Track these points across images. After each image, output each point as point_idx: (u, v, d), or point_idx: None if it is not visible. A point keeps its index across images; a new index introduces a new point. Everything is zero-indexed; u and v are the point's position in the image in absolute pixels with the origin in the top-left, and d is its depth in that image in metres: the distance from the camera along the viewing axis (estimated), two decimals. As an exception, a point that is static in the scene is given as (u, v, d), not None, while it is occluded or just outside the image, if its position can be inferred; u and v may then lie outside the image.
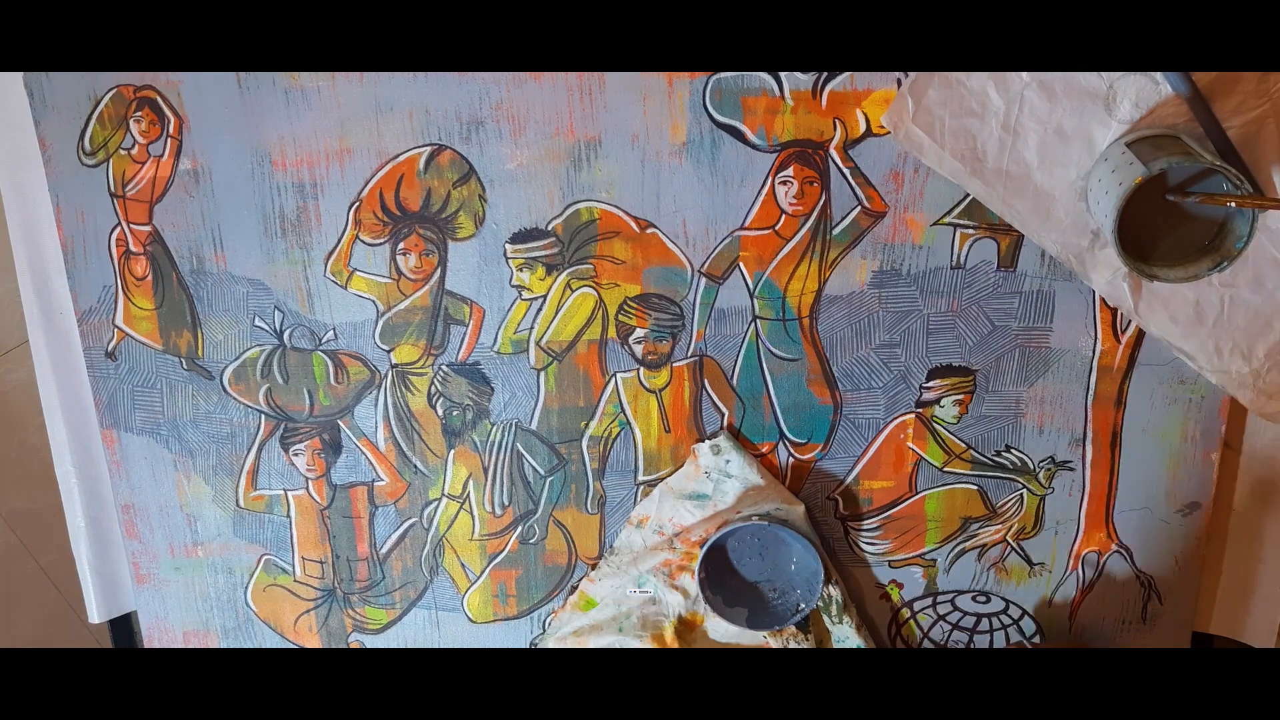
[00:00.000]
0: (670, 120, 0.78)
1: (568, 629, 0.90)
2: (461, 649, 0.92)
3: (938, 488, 0.86)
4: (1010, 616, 0.90)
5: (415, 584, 0.91)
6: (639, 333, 0.83)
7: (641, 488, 0.87)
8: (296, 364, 0.86)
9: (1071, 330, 0.81)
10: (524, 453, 0.87)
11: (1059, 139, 0.74)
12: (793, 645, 0.86)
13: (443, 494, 0.88)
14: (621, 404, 0.85)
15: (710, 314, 0.83)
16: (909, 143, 0.76)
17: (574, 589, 0.90)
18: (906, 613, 0.90)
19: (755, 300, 0.82)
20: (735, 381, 0.84)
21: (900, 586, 0.89)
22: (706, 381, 0.84)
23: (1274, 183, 0.73)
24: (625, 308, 0.83)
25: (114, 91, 0.80)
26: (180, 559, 0.91)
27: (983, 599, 0.89)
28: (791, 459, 0.86)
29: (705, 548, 0.83)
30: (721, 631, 0.88)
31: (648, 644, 0.88)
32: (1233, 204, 0.68)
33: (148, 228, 0.83)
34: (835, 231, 0.80)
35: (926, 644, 0.91)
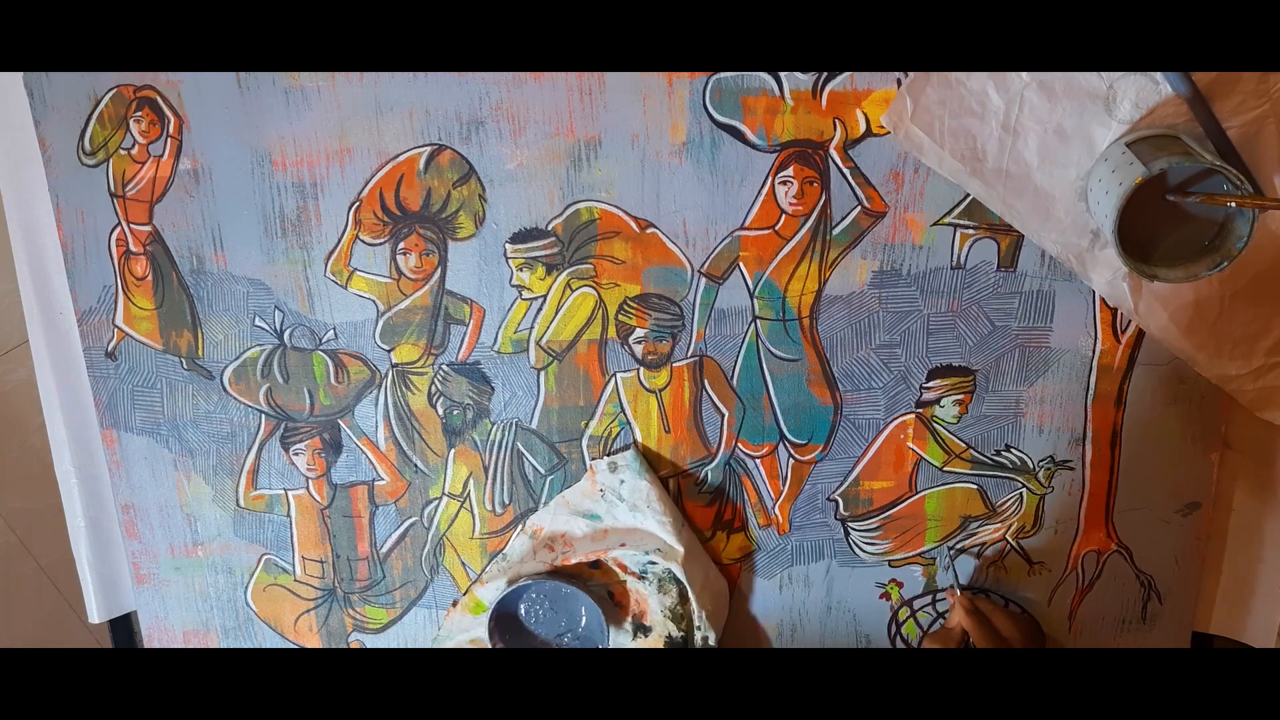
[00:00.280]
0: (670, 120, 0.78)
1: (462, 635, 0.91)
2: (460, 649, 0.92)
3: (937, 487, 0.86)
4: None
5: (416, 583, 0.91)
6: (639, 333, 0.83)
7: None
8: (297, 364, 0.86)
9: (1071, 330, 0.81)
10: (524, 452, 0.87)
11: (1059, 139, 0.74)
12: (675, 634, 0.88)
13: (443, 493, 0.88)
14: (621, 404, 0.85)
15: (710, 314, 0.83)
16: (909, 143, 0.76)
17: (466, 593, 0.91)
18: (906, 612, 0.90)
19: (755, 300, 0.82)
20: (735, 382, 0.84)
21: (900, 586, 0.89)
22: (706, 382, 0.84)
23: (1274, 183, 0.73)
24: (625, 308, 0.83)
25: (114, 91, 0.80)
26: (180, 559, 0.91)
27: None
28: (792, 460, 0.86)
29: (491, 613, 0.86)
30: None
31: None
32: (1233, 204, 0.68)
33: (148, 228, 0.83)
34: (835, 231, 0.80)
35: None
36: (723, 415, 0.85)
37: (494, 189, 0.81)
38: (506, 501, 0.88)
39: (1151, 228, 0.71)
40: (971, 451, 0.85)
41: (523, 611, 0.89)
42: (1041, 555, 0.88)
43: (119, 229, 0.83)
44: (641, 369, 0.84)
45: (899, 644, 0.91)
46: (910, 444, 0.85)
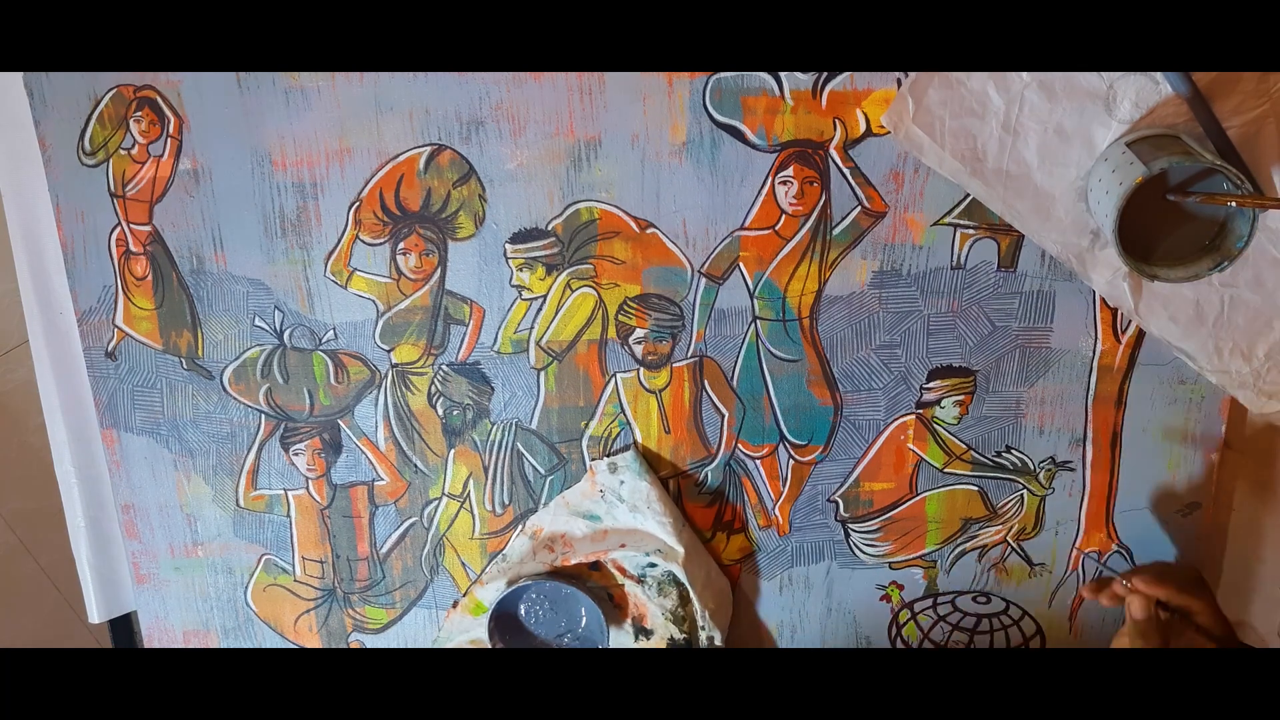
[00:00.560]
0: (670, 120, 0.78)
1: (463, 636, 0.91)
2: (463, 649, 0.92)
3: (938, 489, 0.86)
4: (1010, 617, 0.90)
5: (416, 583, 0.91)
6: (639, 333, 0.83)
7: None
8: (296, 364, 0.86)
9: (1071, 330, 0.81)
10: (524, 452, 0.87)
11: (1059, 139, 0.74)
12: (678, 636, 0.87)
13: (443, 493, 0.88)
14: (621, 404, 0.85)
15: (710, 314, 0.83)
16: (909, 143, 0.76)
17: (465, 593, 0.91)
18: (907, 614, 0.90)
19: (755, 301, 0.82)
20: (735, 382, 0.84)
21: (901, 588, 0.89)
22: (706, 382, 0.84)
23: (1274, 183, 0.73)
24: (625, 308, 0.83)
25: (114, 91, 0.80)
26: (180, 559, 0.91)
27: (983, 600, 0.89)
28: (792, 460, 0.86)
29: (491, 614, 0.86)
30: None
31: None
32: (1233, 204, 0.68)
33: (148, 228, 0.83)
34: (835, 232, 0.80)
35: (927, 645, 0.91)
36: (723, 416, 0.85)
37: (494, 189, 0.81)
38: (506, 502, 0.88)
39: (1151, 228, 0.71)
40: (972, 453, 0.85)
41: (523, 612, 0.89)
42: (1042, 556, 0.88)
43: (119, 229, 0.83)
44: (641, 369, 0.84)
45: (899, 645, 0.91)
46: (911, 445, 0.85)
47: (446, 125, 0.79)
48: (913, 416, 0.84)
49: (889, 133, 0.77)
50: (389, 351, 0.85)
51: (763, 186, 0.79)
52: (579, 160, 0.80)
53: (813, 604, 0.90)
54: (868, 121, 0.77)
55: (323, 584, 0.92)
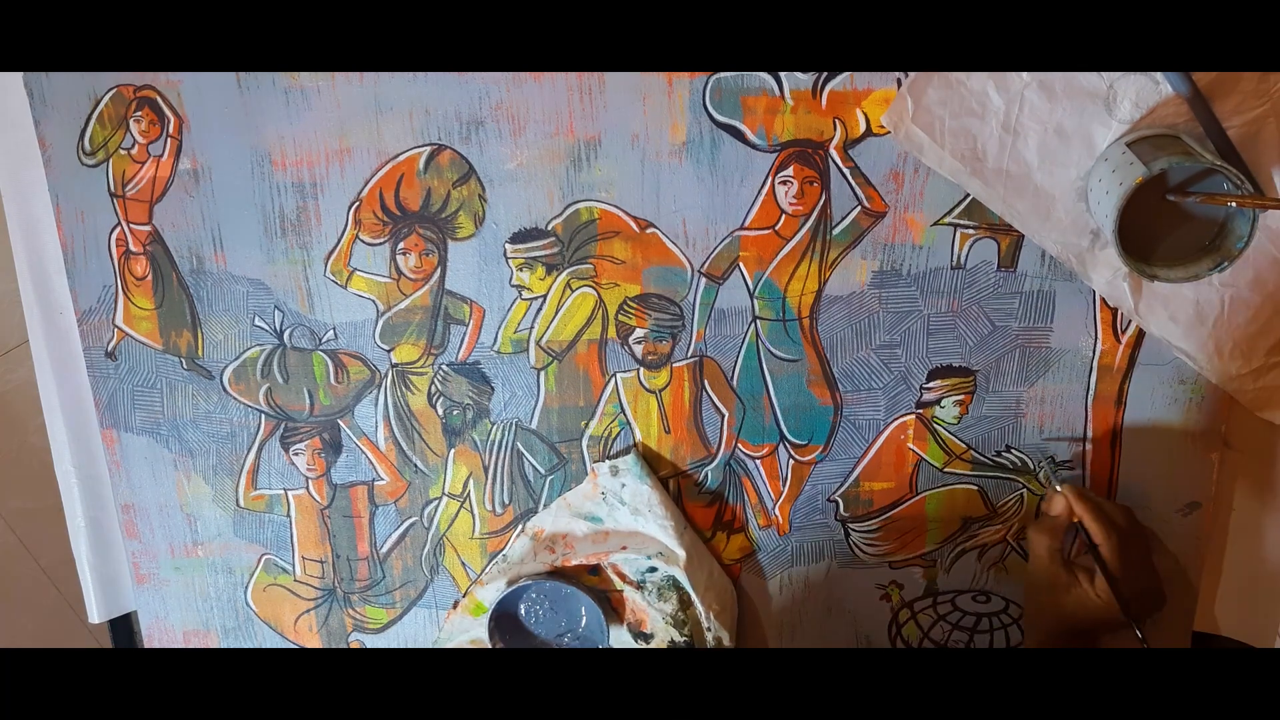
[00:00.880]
0: (670, 120, 0.78)
1: (463, 637, 0.91)
2: (461, 649, 0.92)
3: (938, 488, 0.86)
4: (1010, 616, 0.90)
5: (416, 583, 0.91)
6: (639, 333, 0.83)
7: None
8: (296, 364, 0.86)
9: (1071, 330, 0.81)
10: (524, 452, 0.87)
11: (1059, 139, 0.74)
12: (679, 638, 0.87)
13: (443, 493, 0.88)
14: (621, 404, 0.85)
15: (710, 314, 0.83)
16: (909, 143, 0.76)
17: (465, 594, 0.91)
18: (907, 613, 0.90)
19: (755, 300, 0.82)
20: (735, 382, 0.84)
21: (900, 587, 0.89)
22: (706, 382, 0.84)
23: (1274, 183, 0.73)
24: (625, 308, 0.83)
25: (114, 91, 0.80)
26: (180, 559, 0.91)
27: (983, 599, 0.89)
28: (792, 460, 0.86)
29: (491, 614, 0.86)
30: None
31: None
32: (1233, 204, 0.68)
33: (148, 228, 0.83)
34: (835, 231, 0.80)
35: (927, 644, 0.91)
36: (723, 415, 0.85)
37: (494, 189, 0.81)
38: (506, 501, 0.88)
39: (1151, 228, 0.71)
40: (972, 452, 0.85)
41: (523, 612, 0.89)
42: (1042, 555, 0.88)
43: (119, 229, 0.83)
44: (641, 369, 0.84)
45: (899, 644, 0.91)
46: (911, 445, 0.85)
47: (446, 125, 0.79)
48: (913, 416, 0.84)
49: (889, 133, 0.77)
50: (389, 351, 0.85)
51: (763, 186, 0.79)
52: (579, 160, 0.80)
53: (812, 603, 0.90)
54: (868, 121, 0.77)
55: (323, 584, 0.92)
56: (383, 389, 0.86)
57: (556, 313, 0.83)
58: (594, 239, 0.81)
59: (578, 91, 0.78)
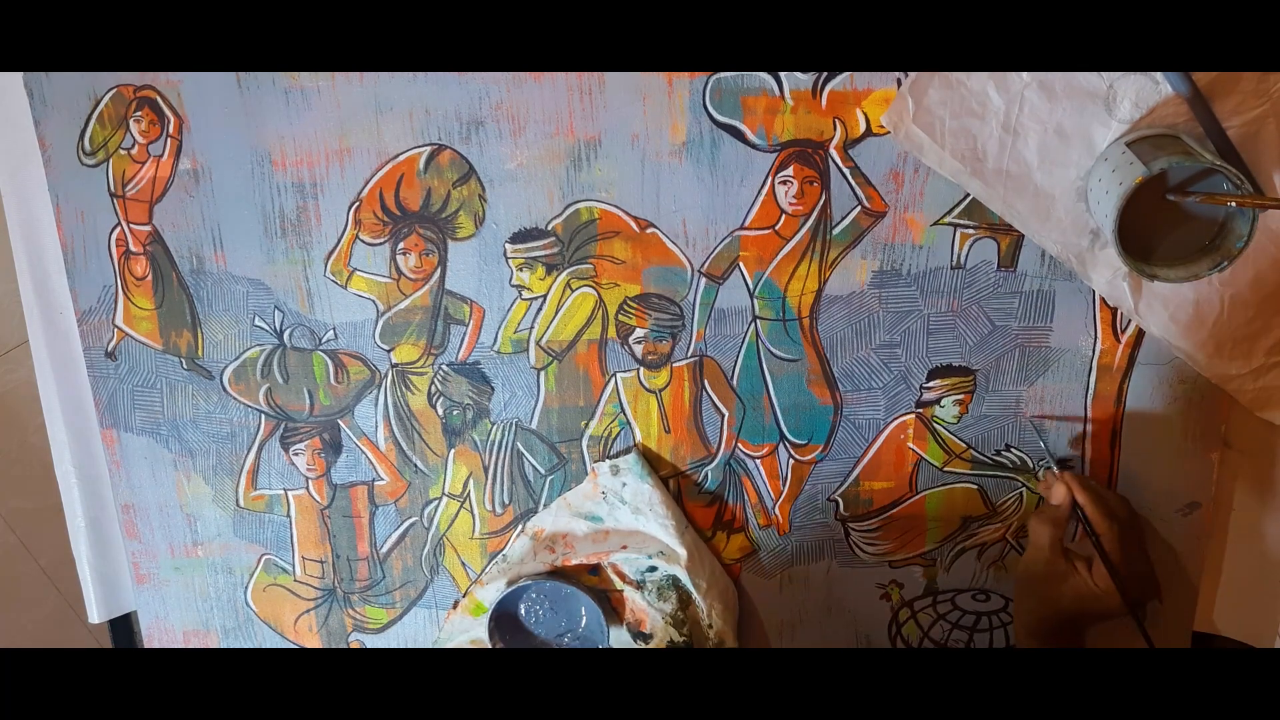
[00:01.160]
0: (670, 120, 0.78)
1: (463, 637, 0.91)
2: (461, 649, 0.92)
3: (938, 487, 0.86)
4: (1010, 615, 0.90)
5: (416, 583, 0.91)
6: (639, 333, 0.83)
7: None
8: (296, 364, 0.86)
9: (1071, 330, 0.81)
10: (524, 452, 0.87)
11: (1059, 139, 0.74)
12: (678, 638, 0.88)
13: (443, 493, 0.88)
14: (621, 404, 0.85)
15: (710, 314, 0.83)
16: (909, 143, 0.76)
17: (465, 594, 0.91)
18: (907, 612, 0.90)
19: (755, 300, 0.82)
20: (735, 382, 0.84)
21: (900, 586, 0.89)
22: (706, 382, 0.84)
23: (1274, 183, 0.73)
24: (625, 308, 0.83)
25: (114, 91, 0.80)
26: (180, 559, 0.91)
27: (983, 597, 0.89)
28: (792, 460, 0.86)
29: (491, 614, 0.86)
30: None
31: None
32: (1233, 204, 0.68)
33: (148, 228, 0.83)
34: (835, 231, 0.80)
35: (926, 643, 0.91)
36: (723, 415, 0.85)
37: (494, 189, 0.81)
38: (506, 502, 0.88)
39: (1151, 228, 0.71)
40: (972, 452, 0.85)
41: (523, 612, 0.89)
42: (1041, 555, 0.88)
43: (119, 229, 0.83)
44: (641, 369, 0.84)
45: (899, 644, 0.91)
46: (910, 444, 0.85)
47: (446, 125, 0.79)
48: (912, 416, 0.84)
49: (889, 133, 0.77)
50: (389, 351, 0.85)
51: (763, 186, 0.79)
52: (579, 160, 0.80)
53: (812, 603, 0.90)
54: (868, 121, 0.77)
55: (323, 584, 0.92)
56: (383, 389, 0.86)
57: (556, 313, 0.83)
58: (594, 239, 0.81)
59: (578, 91, 0.78)
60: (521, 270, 0.82)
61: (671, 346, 0.83)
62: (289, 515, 0.90)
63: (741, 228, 0.80)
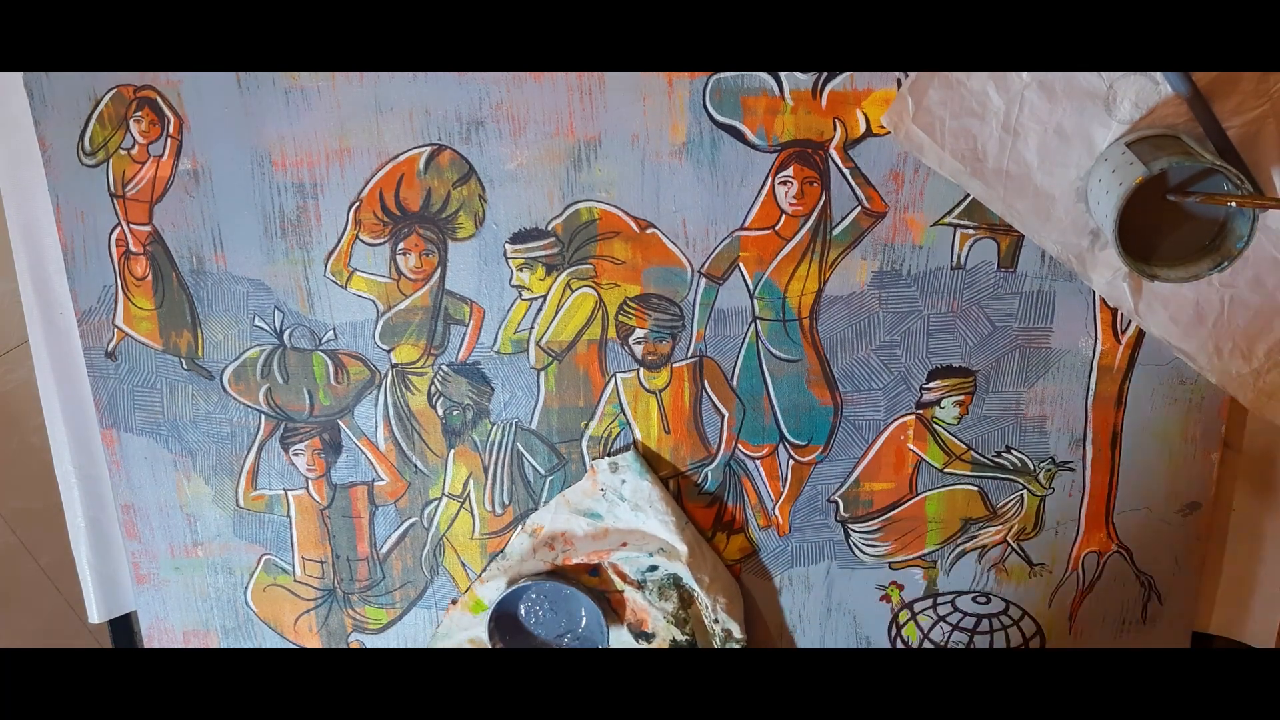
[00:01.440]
0: (670, 120, 0.78)
1: (462, 634, 0.91)
2: (462, 649, 0.92)
3: (938, 489, 0.86)
4: (1010, 617, 0.90)
5: (415, 583, 0.91)
6: (639, 333, 0.83)
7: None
8: (296, 364, 0.86)
9: (1071, 330, 0.81)
10: (524, 452, 0.87)
11: (1059, 139, 0.74)
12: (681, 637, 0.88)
13: (443, 493, 0.88)
14: (621, 404, 0.85)
15: (710, 314, 0.83)
16: (909, 143, 0.76)
17: (466, 591, 0.91)
18: (907, 614, 0.90)
19: (755, 301, 0.82)
20: (735, 382, 0.84)
21: (900, 588, 0.89)
22: (706, 382, 0.84)
23: (1274, 183, 0.73)
24: (625, 308, 0.83)
25: (114, 91, 0.80)
26: (180, 559, 0.91)
27: (983, 600, 0.89)
28: (792, 461, 0.86)
29: (491, 614, 0.86)
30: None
31: None
32: (1233, 204, 0.68)
33: (148, 228, 0.83)
34: (835, 232, 0.80)
35: (927, 645, 0.91)
36: (723, 416, 0.85)
37: (494, 189, 0.81)
38: (506, 502, 0.88)
39: (1151, 228, 0.71)
40: (972, 453, 0.85)
41: (522, 612, 0.89)
42: (1042, 557, 0.88)
43: (119, 229, 0.83)
44: (641, 369, 0.84)
45: (899, 645, 0.91)
46: (911, 445, 0.85)
47: (446, 125, 0.79)
48: (913, 416, 0.84)
49: (889, 133, 0.77)
50: (389, 351, 0.85)
51: (763, 186, 0.79)
52: (579, 160, 0.80)
53: (813, 604, 0.90)
54: (868, 121, 0.77)
55: (323, 584, 0.92)
56: (383, 389, 0.86)
57: (556, 313, 0.83)
58: (594, 239, 0.81)
59: (578, 91, 0.78)
60: (521, 270, 0.82)
61: (671, 347, 0.83)
62: (289, 515, 0.90)
63: (741, 228, 0.80)
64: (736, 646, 0.87)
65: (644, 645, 0.89)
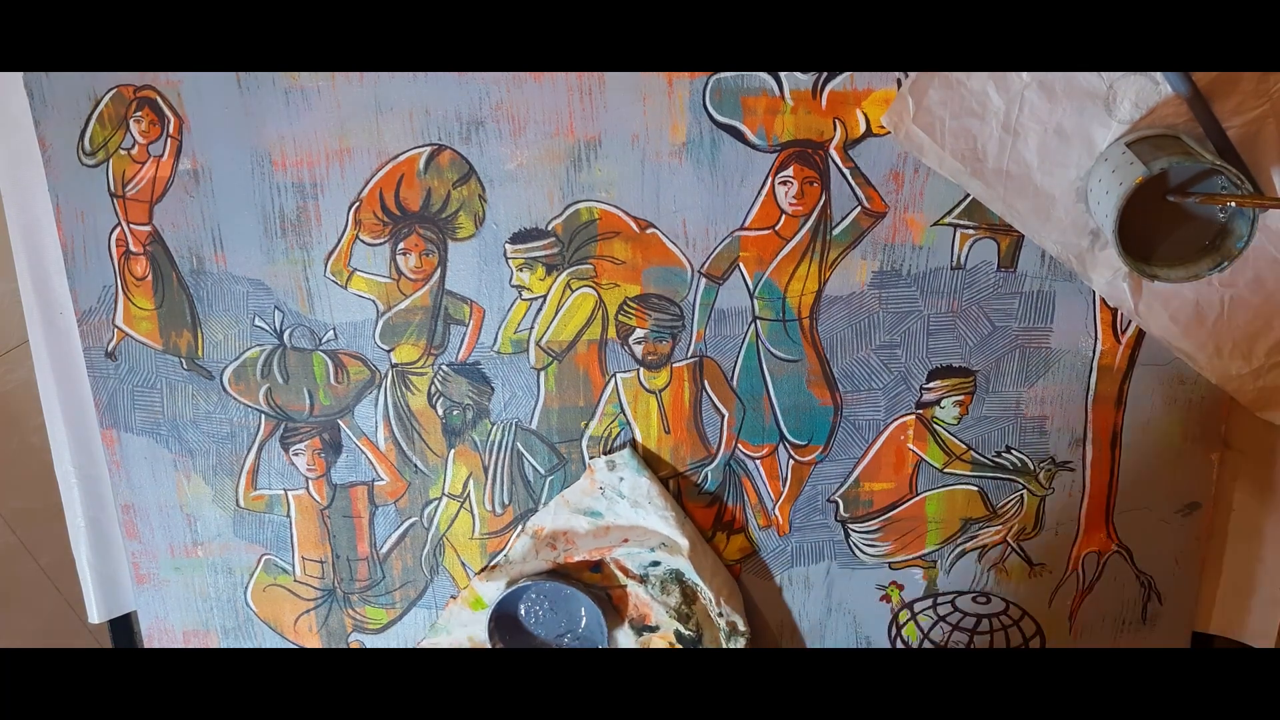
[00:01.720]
0: (670, 120, 0.78)
1: (461, 631, 0.91)
2: (461, 649, 0.92)
3: (938, 489, 0.86)
4: (1010, 617, 0.90)
5: (415, 583, 0.91)
6: (639, 333, 0.83)
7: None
8: (296, 364, 0.86)
9: (1071, 330, 0.81)
10: (524, 452, 0.87)
11: (1059, 139, 0.74)
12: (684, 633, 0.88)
13: (443, 493, 0.88)
14: (621, 404, 0.85)
15: (710, 314, 0.83)
16: (909, 143, 0.76)
17: (467, 587, 0.91)
18: (907, 614, 0.90)
19: (755, 301, 0.82)
20: (735, 382, 0.84)
21: (901, 588, 0.89)
22: (706, 382, 0.84)
23: (1274, 183, 0.73)
24: (625, 308, 0.83)
25: (114, 91, 0.80)
26: (180, 559, 0.91)
27: (983, 600, 0.89)
28: (792, 460, 0.86)
29: (491, 614, 0.86)
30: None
31: None
32: (1233, 204, 0.68)
33: (148, 228, 0.83)
34: (835, 232, 0.80)
35: (926, 645, 0.91)
36: (723, 416, 0.85)
37: (494, 189, 0.81)
38: (506, 502, 0.88)
39: (1151, 228, 0.71)
40: (972, 453, 0.85)
41: (522, 612, 0.89)
42: (1042, 557, 0.88)
43: (119, 229, 0.83)
44: (641, 369, 0.84)
45: (899, 645, 0.91)
46: (911, 445, 0.85)
47: (446, 125, 0.79)
48: (913, 416, 0.84)
49: (889, 133, 0.77)
50: (389, 351, 0.85)
51: (763, 186, 0.79)
52: (579, 160, 0.80)
53: (813, 604, 0.90)
54: (868, 121, 0.77)
55: (323, 584, 0.92)
56: (383, 389, 0.86)
57: (556, 313, 0.83)
58: (594, 239, 0.81)
59: (578, 91, 0.78)
60: (521, 270, 0.82)
61: (671, 347, 0.83)
62: (289, 515, 0.90)
63: (741, 228, 0.80)
64: (742, 639, 0.88)
65: (647, 636, 0.89)
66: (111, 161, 0.81)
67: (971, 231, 0.79)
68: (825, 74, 0.77)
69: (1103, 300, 0.80)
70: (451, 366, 0.85)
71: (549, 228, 0.81)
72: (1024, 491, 0.86)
